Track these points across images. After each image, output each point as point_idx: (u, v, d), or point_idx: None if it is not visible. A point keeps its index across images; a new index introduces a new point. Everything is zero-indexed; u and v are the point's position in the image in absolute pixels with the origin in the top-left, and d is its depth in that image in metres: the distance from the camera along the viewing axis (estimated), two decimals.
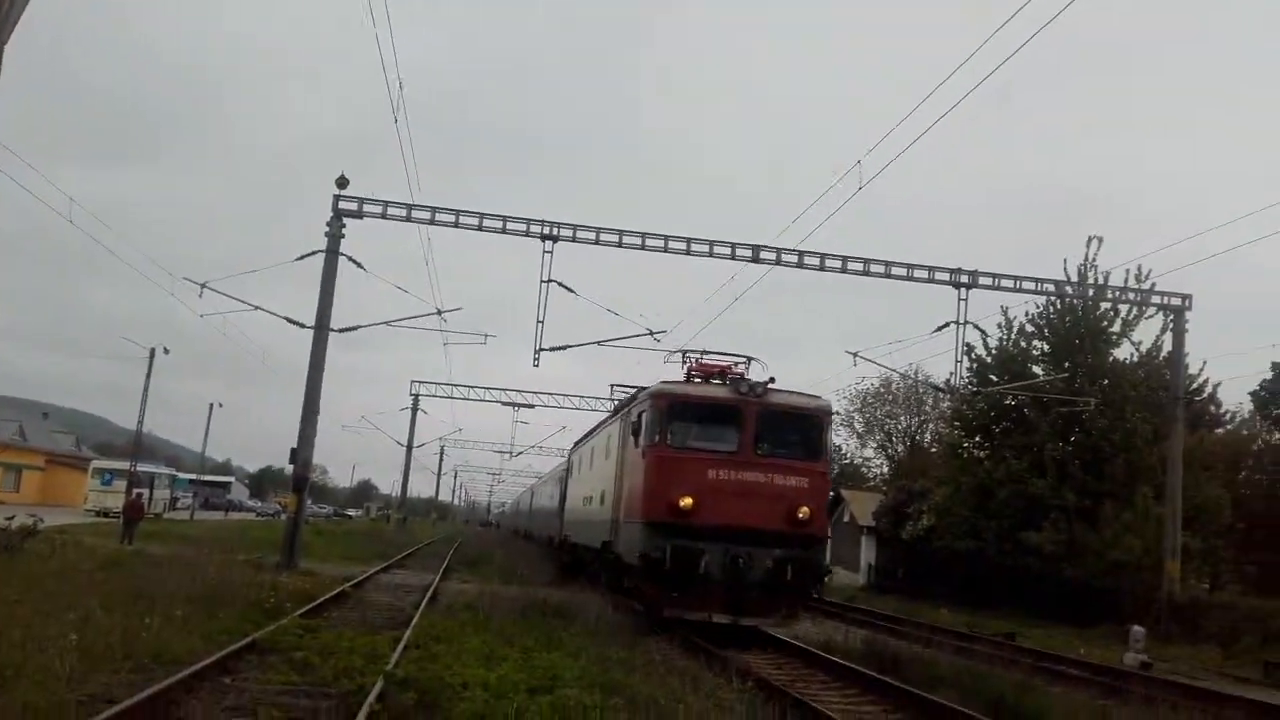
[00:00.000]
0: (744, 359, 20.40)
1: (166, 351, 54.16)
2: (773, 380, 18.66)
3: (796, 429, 18.40)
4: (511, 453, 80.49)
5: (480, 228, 27.26)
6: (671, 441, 17.90)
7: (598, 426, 28.28)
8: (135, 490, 44.27)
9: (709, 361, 20.68)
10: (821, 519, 18.45)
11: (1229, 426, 44.05)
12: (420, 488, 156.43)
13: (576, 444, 34.49)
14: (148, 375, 52.93)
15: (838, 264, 27.79)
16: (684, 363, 20.97)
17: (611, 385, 36.68)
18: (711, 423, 18.21)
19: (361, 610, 18.19)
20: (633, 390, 23.03)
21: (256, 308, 29.70)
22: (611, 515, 21.20)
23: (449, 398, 61.37)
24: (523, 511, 73.88)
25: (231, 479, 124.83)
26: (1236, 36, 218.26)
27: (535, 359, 27.29)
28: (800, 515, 17.37)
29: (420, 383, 63.01)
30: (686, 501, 17.09)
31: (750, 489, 17.38)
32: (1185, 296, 30.09)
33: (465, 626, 15.07)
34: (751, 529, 17.10)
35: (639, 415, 19.07)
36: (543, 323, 26.79)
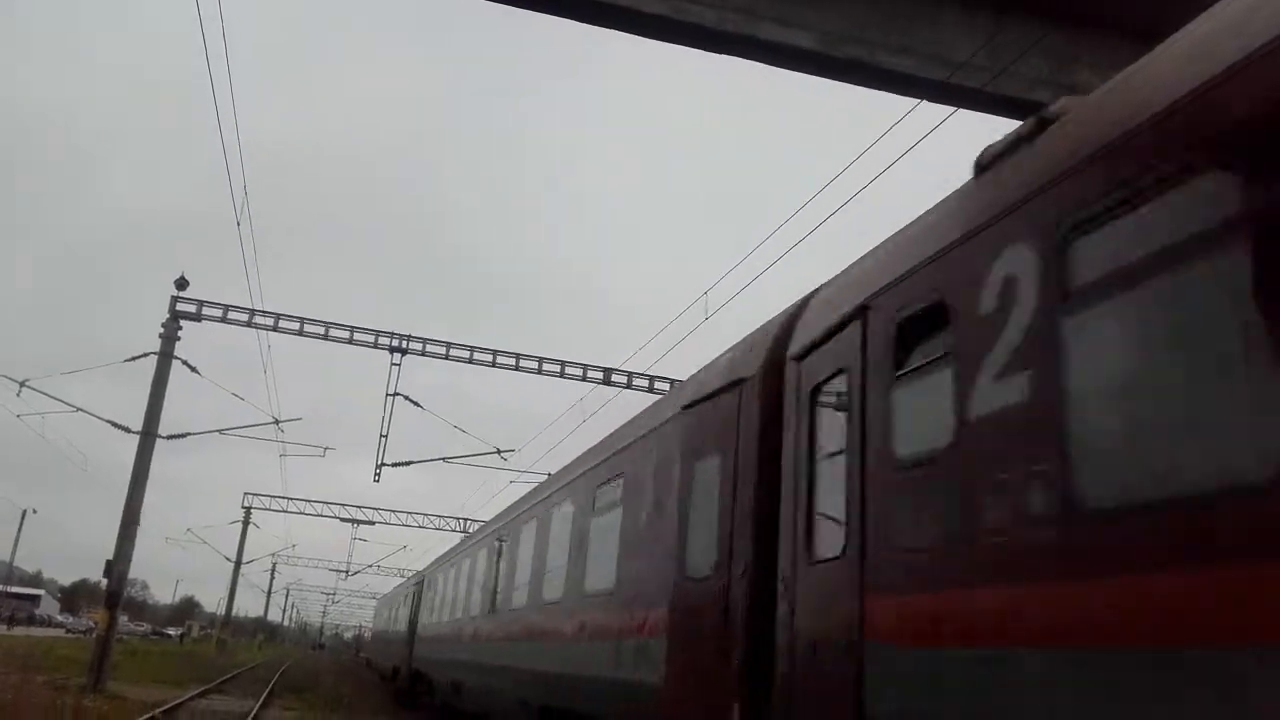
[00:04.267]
0: None
1: None
2: None
3: None
4: (348, 572, 77.85)
5: (326, 336, 26.65)
6: None
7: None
8: None
9: None
10: None
11: None
12: (249, 605, 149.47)
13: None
14: None
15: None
16: None
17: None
18: None
19: None
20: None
21: (79, 409, 28.19)
22: None
23: (284, 511, 59.11)
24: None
25: (41, 592, 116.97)
26: None
27: (377, 474, 26.70)
28: None
29: (254, 495, 60.56)
30: None
31: None
32: None
33: None
34: None
35: None
36: (386, 437, 26.28)
